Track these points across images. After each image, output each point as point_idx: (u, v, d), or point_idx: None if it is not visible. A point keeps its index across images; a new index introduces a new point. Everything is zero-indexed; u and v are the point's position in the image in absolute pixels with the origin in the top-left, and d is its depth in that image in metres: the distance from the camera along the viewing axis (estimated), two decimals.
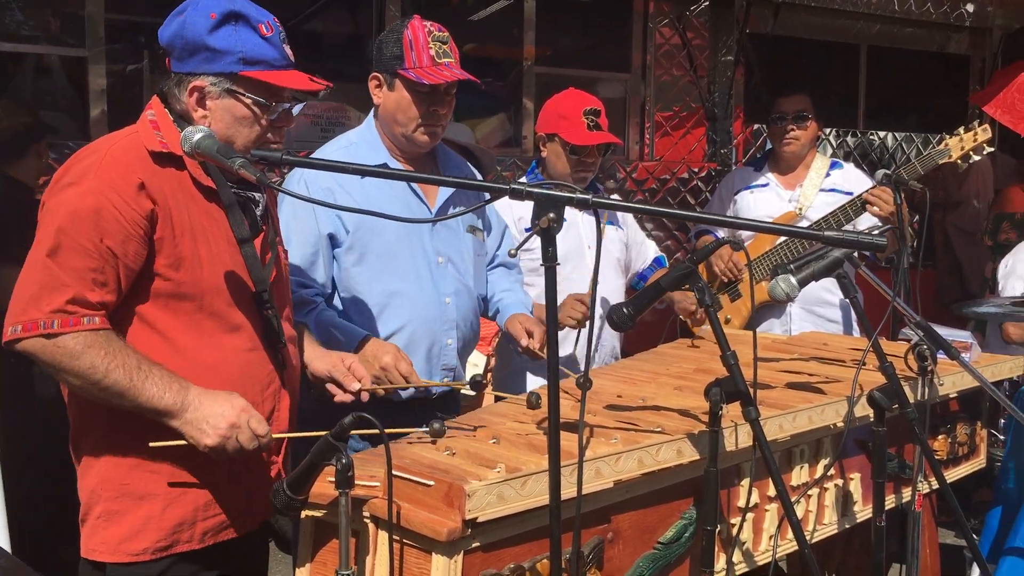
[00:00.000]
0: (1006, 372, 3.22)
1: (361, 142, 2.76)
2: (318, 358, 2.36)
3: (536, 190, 1.70)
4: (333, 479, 1.74)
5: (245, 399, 2.01)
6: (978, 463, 3.24)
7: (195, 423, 1.94)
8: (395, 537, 1.76)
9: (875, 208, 3.63)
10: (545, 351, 2.77)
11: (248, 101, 2.06)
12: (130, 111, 2.16)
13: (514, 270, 3.07)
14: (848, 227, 3.78)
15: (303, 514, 1.89)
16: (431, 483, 1.75)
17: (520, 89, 5.45)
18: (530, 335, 2.74)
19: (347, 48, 5.26)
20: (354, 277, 2.65)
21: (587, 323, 2.98)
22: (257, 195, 2.21)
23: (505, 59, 5.47)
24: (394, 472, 1.75)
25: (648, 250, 3.70)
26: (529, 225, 1.74)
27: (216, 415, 1.94)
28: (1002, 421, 3.76)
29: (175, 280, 2.01)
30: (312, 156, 2.86)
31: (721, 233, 4.07)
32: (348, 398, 2.29)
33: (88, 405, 2.05)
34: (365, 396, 2.29)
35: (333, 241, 2.65)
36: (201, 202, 2.08)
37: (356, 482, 1.74)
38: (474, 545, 1.73)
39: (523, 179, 3.51)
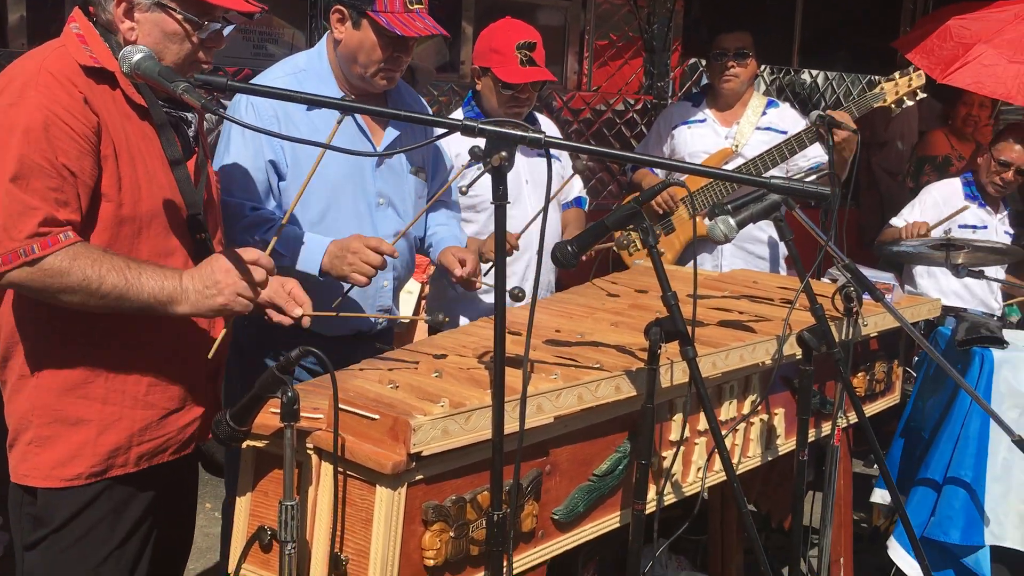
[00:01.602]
0: (924, 313, 3.36)
1: (310, 70, 2.67)
2: None
3: (489, 128, 1.69)
4: (277, 411, 1.73)
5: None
6: (893, 399, 3.39)
7: (201, 293, 1.94)
8: (339, 469, 1.78)
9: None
10: (479, 280, 2.77)
11: (179, 17, 1.98)
12: (51, 17, 2.05)
13: (453, 207, 3.03)
14: (781, 166, 3.84)
15: (244, 444, 1.89)
16: (376, 417, 1.76)
17: (459, 12, 5.34)
18: (463, 264, 2.72)
19: None
20: (294, 213, 2.60)
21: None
22: (189, 115, 2.15)
23: None
24: (339, 405, 1.76)
25: (574, 183, 3.68)
26: (466, 162, 1.73)
27: (214, 279, 1.94)
28: (915, 359, 3.92)
29: (116, 201, 1.96)
30: (257, 79, 2.77)
31: (660, 171, 4.09)
32: (287, 320, 2.27)
33: (13, 330, 2.00)
34: (306, 322, 2.28)
35: (276, 169, 2.59)
36: (135, 121, 2.01)
37: (300, 414, 1.74)
38: (417, 478, 1.76)
39: (458, 111, 3.46)
